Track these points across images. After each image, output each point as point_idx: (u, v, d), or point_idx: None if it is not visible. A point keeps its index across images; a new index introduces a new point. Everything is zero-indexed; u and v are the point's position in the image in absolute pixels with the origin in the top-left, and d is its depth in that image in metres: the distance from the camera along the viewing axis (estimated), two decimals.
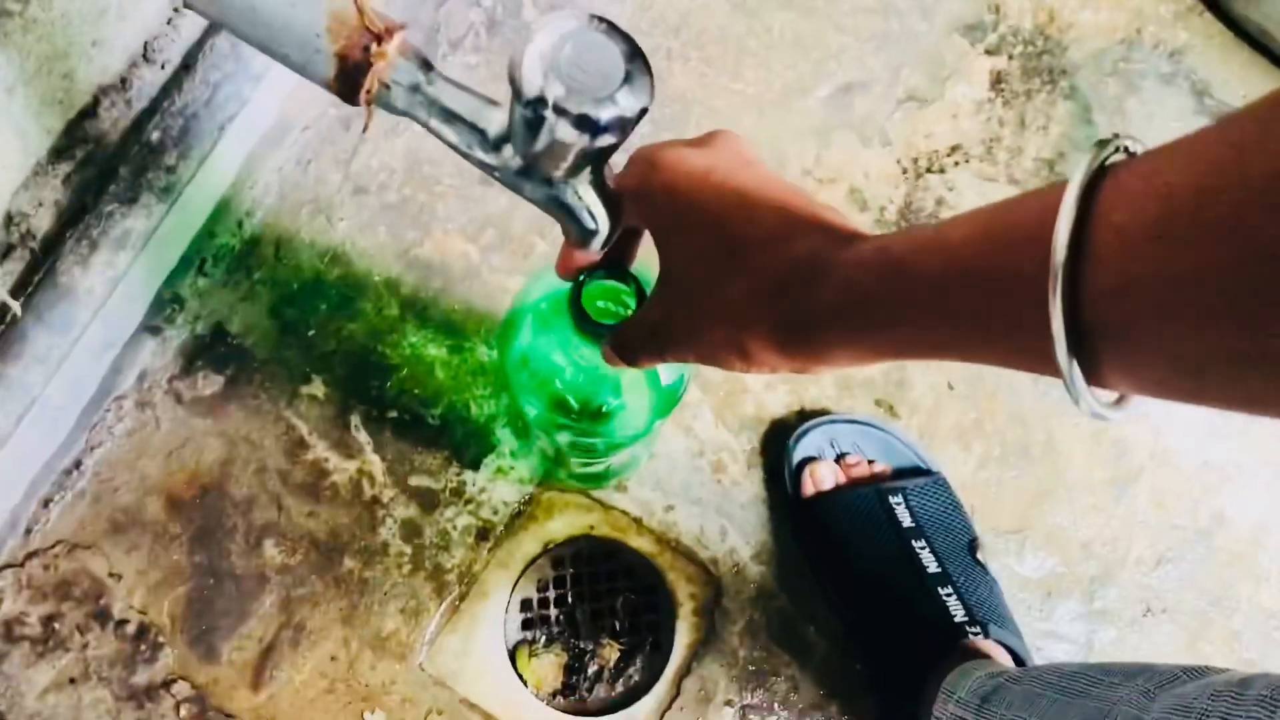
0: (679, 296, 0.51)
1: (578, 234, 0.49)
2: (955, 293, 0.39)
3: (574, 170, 0.45)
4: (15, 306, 0.42)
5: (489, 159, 0.46)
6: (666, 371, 0.68)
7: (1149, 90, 1.16)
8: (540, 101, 0.39)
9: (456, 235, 1.02)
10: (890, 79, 1.13)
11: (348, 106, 0.99)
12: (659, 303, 0.53)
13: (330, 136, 1.01)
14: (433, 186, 1.02)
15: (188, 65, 0.74)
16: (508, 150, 0.45)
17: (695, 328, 0.50)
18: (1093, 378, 0.36)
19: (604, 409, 0.67)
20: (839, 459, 0.99)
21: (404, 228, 1.01)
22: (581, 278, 0.55)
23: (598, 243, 0.50)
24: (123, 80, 0.70)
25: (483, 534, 0.96)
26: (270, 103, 0.86)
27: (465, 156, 0.47)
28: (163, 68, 0.72)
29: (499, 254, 1.02)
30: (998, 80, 1.15)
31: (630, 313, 0.59)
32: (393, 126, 1.03)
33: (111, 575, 0.91)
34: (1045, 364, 0.36)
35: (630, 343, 0.55)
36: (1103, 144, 0.36)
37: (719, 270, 0.48)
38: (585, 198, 0.47)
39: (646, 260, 0.58)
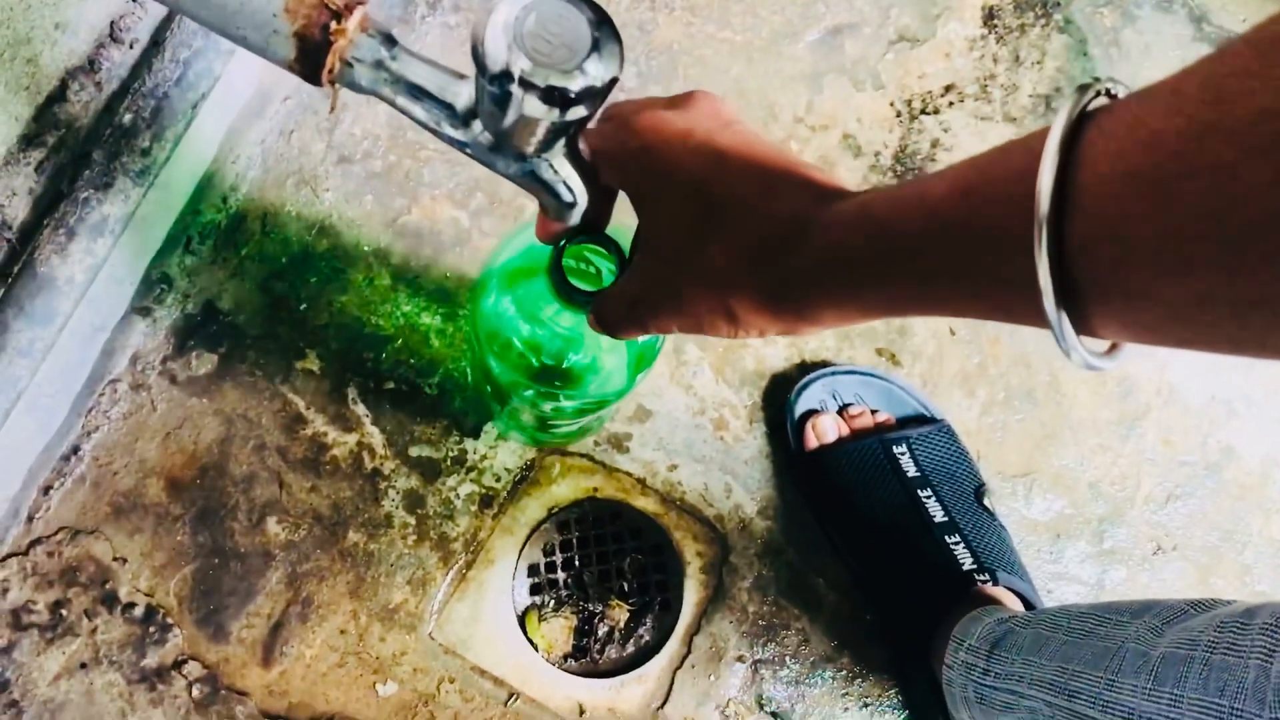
0: (659, 265, 0.50)
1: (555, 207, 0.48)
2: (939, 250, 0.38)
3: (546, 144, 0.43)
4: None
5: (459, 135, 0.45)
6: None
7: (1145, 19, 1.14)
8: (505, 76, 0.38)
9: (445, 201, 1.00)
10: (880, 19, 1.10)
11: None
12: (638, 273, 0.52)
13: (312, 105, 0.99)
14: (418, 152, 1.00)
15: (157, 42, 0.72)
16: (477, 125, 0.44)
17: (678, 296, 0.49)
18: (1083, 328, 0.35)
19: (583, 367, 0.66)
20: (841, 410, 0.98)
21: (391, 196, 0.99)
22: (561, 243, 0.54)
23: (575, 215, 0.49)
24: (90, 62, 0.68)
25: (486, 501, 0.95)
26: (247, 75, 0.84)
27: (435, 133, 0.45)
28: (131, 47, 0.70)
29: (489, 218, 1.00)
30: (990, 16, 1.12)
31: (613, 276, 0.58)
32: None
33: (116, 559, 0.91)
34: (1034, 317, 0.35)
35: (610, 316, 0.54)
36: (1083, 89, 0.35)
37: (700, 235, 0.46)
38: (561, 171, 0.45)
39: (624, 222, 0.57)
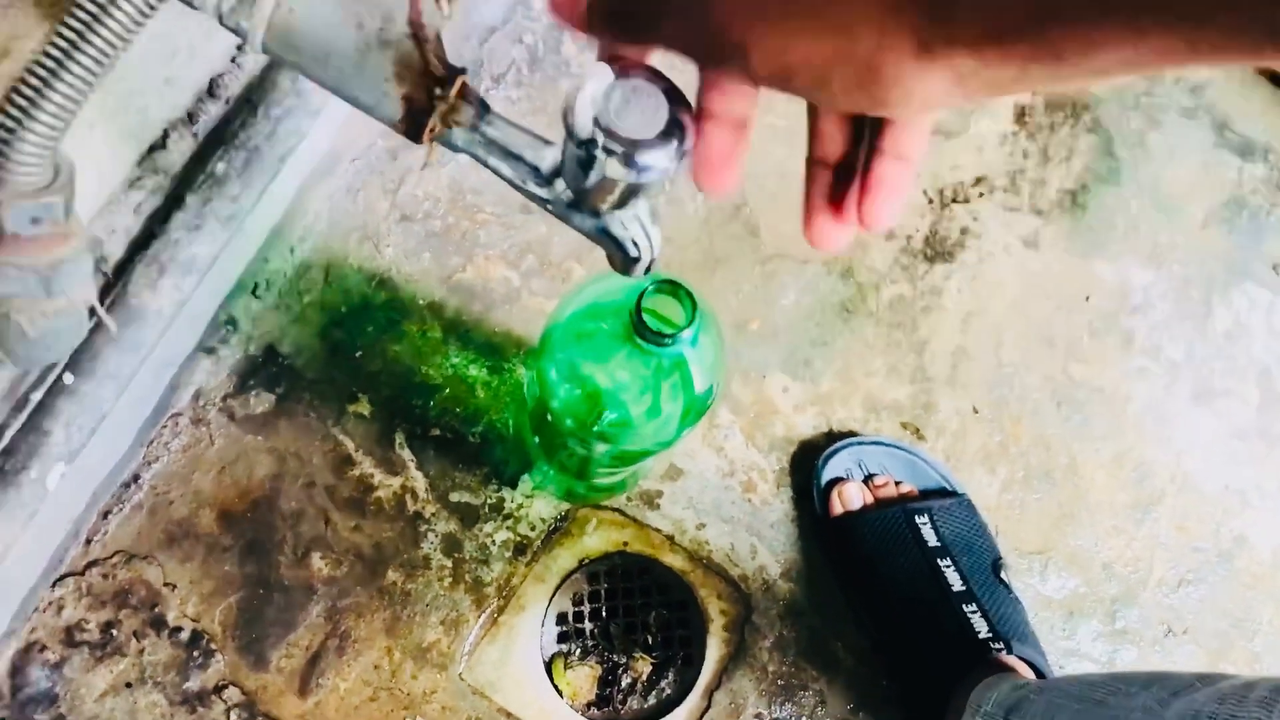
0: None
1: (621, 260, 0.53)
2: None
3: (620, 202, 0.48)
4: (109, 321, 0.46)
5: (542, 192, 0.50)
6: (700, 377, 0.72)
7: (1170, 124, 1.19)
8: (591, 143, 0.43)
9: (498, 261, 1.06)
10: None
11: (396, 138, 1.03)
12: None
13: (378, 167, 1.06)
14: (475, 214, 1.07)
15: (248, 100, 0.79)
16: (559, 184, 0.49)
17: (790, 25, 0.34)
18: None
19: (642, 415, 0.72)
20: (867, 480, 1.02)
21: (448, 254, 1.05)
22: (641, 290, 0.61)
23: (639, 269, 0.54)
24: (189, 115, 0.75)
25: (520, 549, 0.99)
26: (324, 135, 0.90)
27: (518, 189, 0.50)
28: (227, 103, 0.77)
29: (538, 279, 1.06)
30: (1022, 114, 1.18)
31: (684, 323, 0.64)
32: (438, 157, 1.07)
33: (166, 584, 0.95)
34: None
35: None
36: None
37: None
38: (630, 228, 0.50)
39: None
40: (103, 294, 0.72)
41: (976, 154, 1.16)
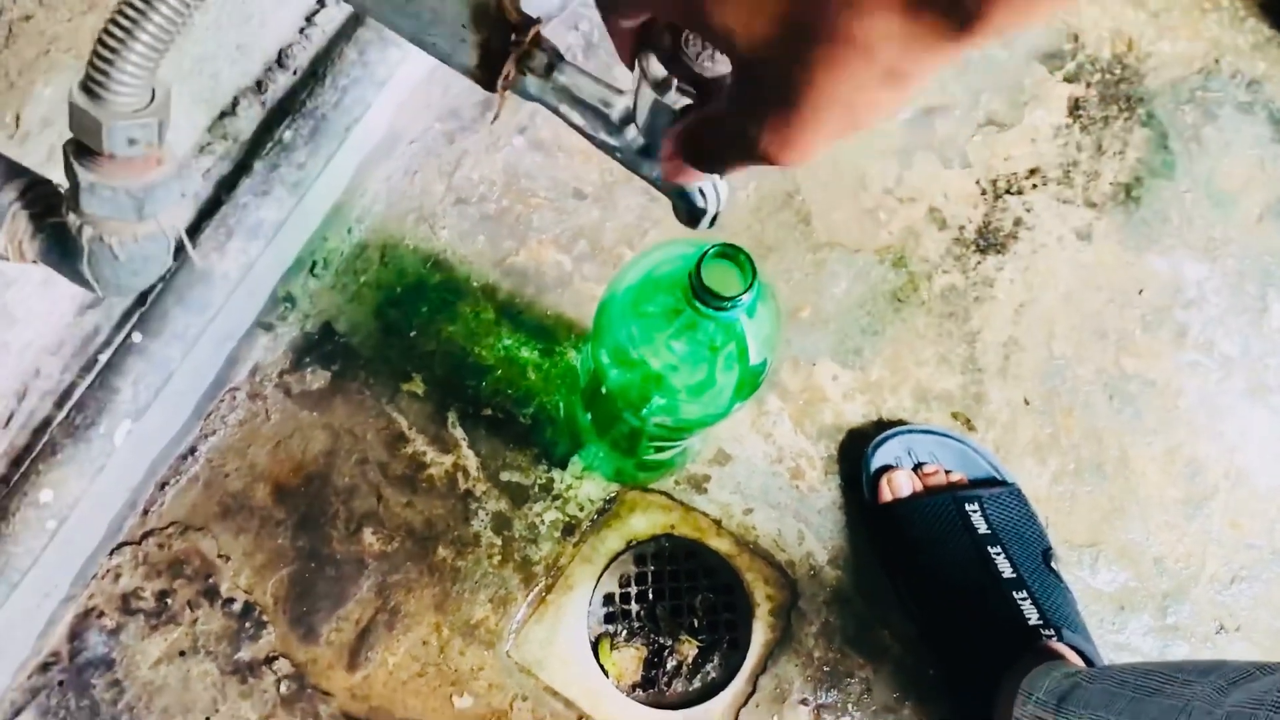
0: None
1: (686, 211, 0.54)
2: None
3: None
4: (190, 247, 0.46)
5: (612, 140, 0.51)
6: (755, 348, 0.72)
7: (1226, 118, 1.19)
8: (665, 84, 0.44)
9: (550, 245, 1.07)
10: (971, 103, 1.16)
11: (453, 121, 1.05)
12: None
13: (435, 150, 1.07)
14: (529, 199, 1.08)
15: (314, 71, 0.80)
16: (630, 131, 0.50)
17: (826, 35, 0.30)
18: None
19: (699, 384, 0.72)
20: (916, 468, 1.01)
21: (501, 237, 1.06)
22: (700, 255, 0.61)
23: (705, 222, 0.54)
24: (258, 83, 0.76)
25: (569, 529, 1.00)
26: (385, 113, 0.92)
27: (589, 138, 0.51)
28: (295, 73, 0.78)
29: (590, 263, 1.07)
30: (1075, 106, 1.18)
31: (745, 286, 0.64)
32: (493, 141, 1.09)
33: (220, 556, 0.96)
34: None
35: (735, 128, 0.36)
36: None
37: None
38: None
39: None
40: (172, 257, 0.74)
41: (1030, 146, 1.16)
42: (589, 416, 0.90)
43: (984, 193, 1.14)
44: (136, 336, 0.73)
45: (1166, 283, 1.13)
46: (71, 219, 0.44)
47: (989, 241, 1.12)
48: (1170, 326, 1.12)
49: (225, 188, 0.77)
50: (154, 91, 0.40)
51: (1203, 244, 1.15)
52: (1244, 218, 1.16)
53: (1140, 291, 1.12)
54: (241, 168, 0.77)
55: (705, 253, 0.64)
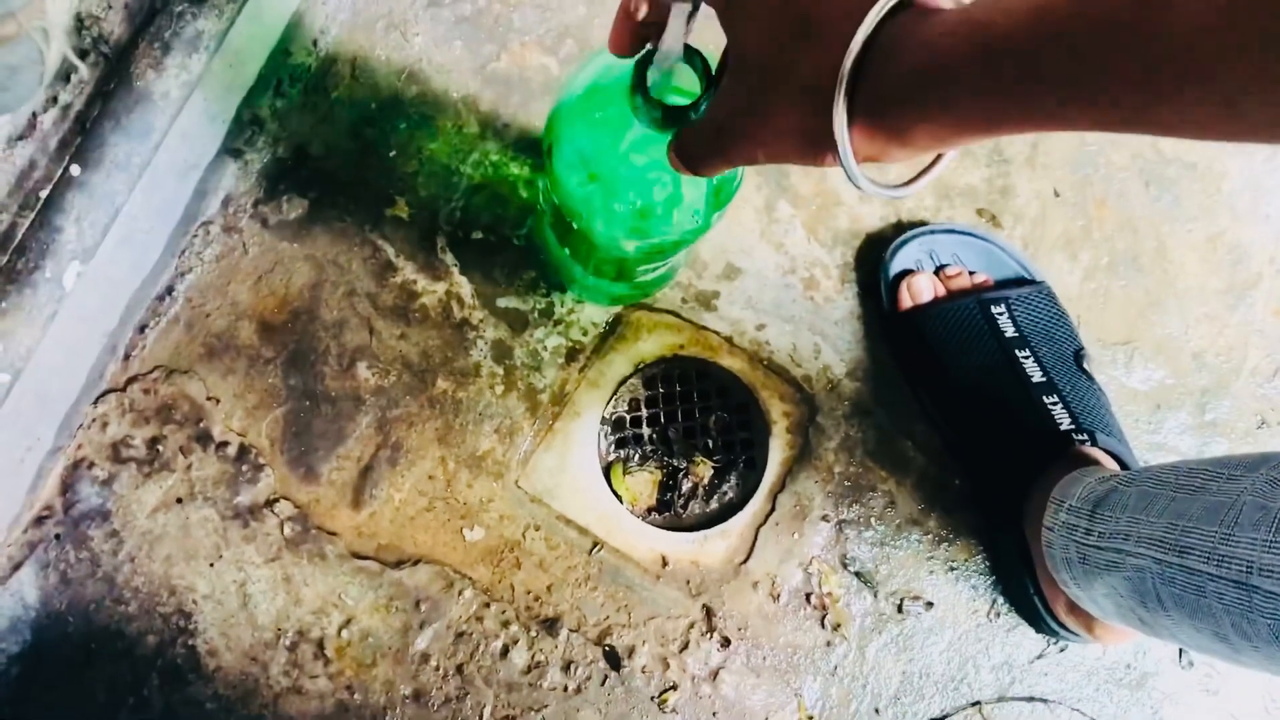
0: (745, 86, 0.48)
1: None
2: (1047, 53, 0.37)
3: None
4: (71, 55, 0.39)
5: None
6: None
7: None
8: None
9: (534, 47, 0.98)
10: None
11: None
12: (724, 99, 0.50)
13: None
14: None
15: None
16: None
17: (765, 118, 0.47)
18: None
19: (667, 199, 0.64)
20: (938, 271, 0.95)
21: (480, 41, 0.98)
22: (643, 54, 0.52)
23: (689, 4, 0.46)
24: None
25: (573, 354, 0.95)
26: None
27: None
28: None
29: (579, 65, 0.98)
30: None
31: (696, 94, 0.55)
32: None
33: (209, 399, 0.92)
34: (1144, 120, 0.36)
35: (694, 148, 0.53)
36: None
37: (794, 51, 0.44)
38: None
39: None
40: (105, 78, 0.66)
41: None
42: (565, 251, 0.82)
43: None
44: (75, 169, 0.66)
45: None
46: None
47: None
48: None
49: None
50: None
51: None
52: None
53: None
54: None
55: (646, 54, 0.54)
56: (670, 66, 0.53)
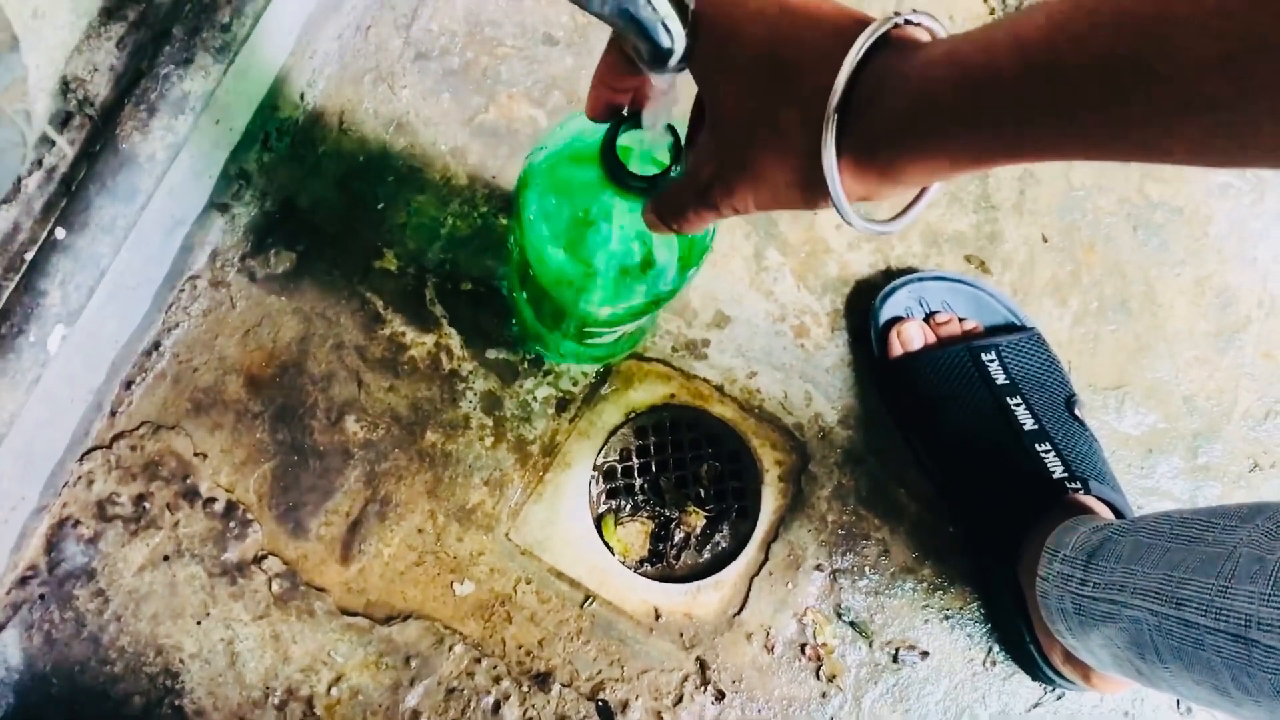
0: (730, 139, 0.48)
1: (649, 53, 0.46)
2: (1036, 88, 0.37)
3: None
4: (50, 130, 0.39)
5: None
6: None
7: None
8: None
9: (522, 99, 0.98)
10: None
11: None
12: (707, 152, 0.49)
13: (389, 0, 0.98)
14: (495, 49, 0.98)
15: None
16: None
17: (753, 167, 0.47)
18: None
19: (637, 264, 0.64)
20: (928, 318, 0.95)
21: (468, 93, 0.98)
22: (613, 122, 0.52)
23: (672, 63, 0.46)
24: None
25: (563, 404, 0.94)
26: None
27: None
28: None
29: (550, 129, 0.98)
30: None
31: (667, 164, 0.55)
32: None
33: (197, 454, 0.91)
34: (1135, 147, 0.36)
35: (679, 203, 0.52)
36: None
37: (774, 99, 0.44)
38: (659, 9, 0.43)
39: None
40: (91, 139, 0.66)
41: None
42: (531, 310, 0.81)
43: (993, 11, 1.04)
44: (60, 232, 0.65)
45: None
46: None
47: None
48: None
49: (145, 57, 0.68)
50: None
51: None
52: None
53: None
54: (161, 35, 0.69)
55: (617, 124, 0.54)
56: (644, 137, 0.53)
